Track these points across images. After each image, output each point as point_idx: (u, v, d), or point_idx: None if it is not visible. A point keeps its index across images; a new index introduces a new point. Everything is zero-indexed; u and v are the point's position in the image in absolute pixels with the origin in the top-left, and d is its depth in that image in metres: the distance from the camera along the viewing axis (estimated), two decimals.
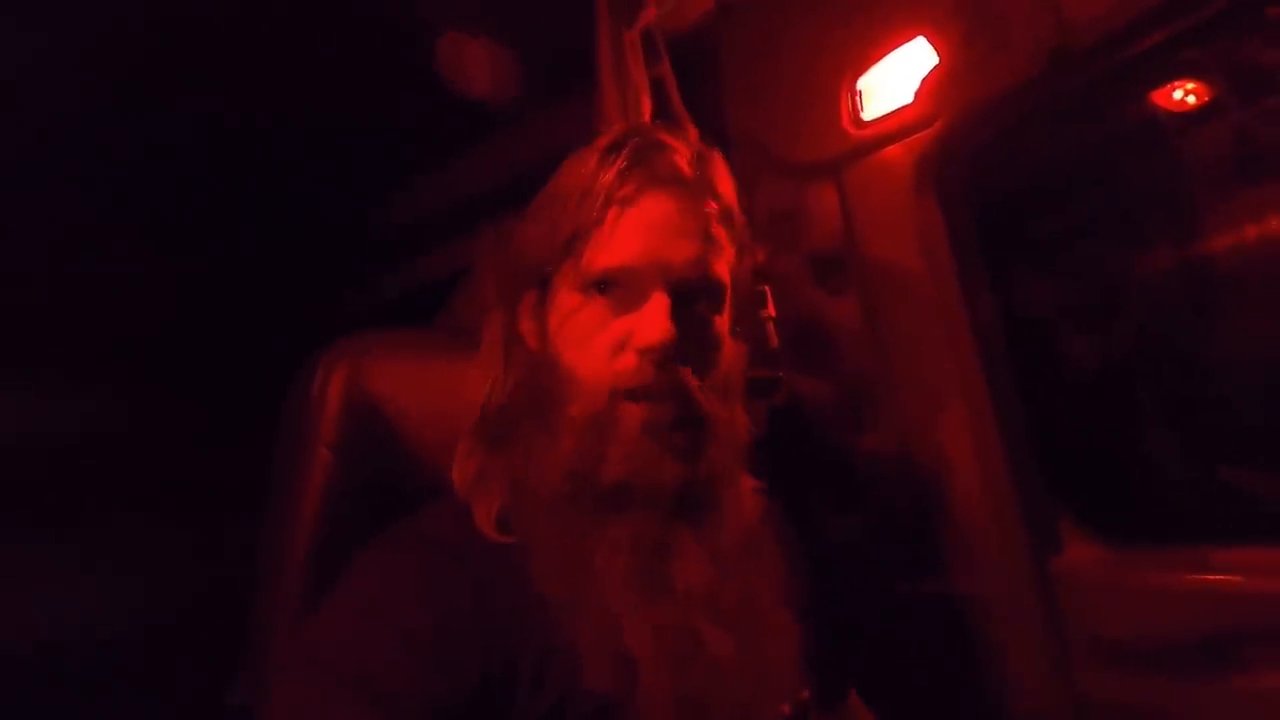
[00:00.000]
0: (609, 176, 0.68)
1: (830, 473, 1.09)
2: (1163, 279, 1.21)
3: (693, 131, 0.82)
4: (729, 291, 0.72)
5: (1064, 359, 1.26)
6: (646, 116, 1.12)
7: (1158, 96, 1.23)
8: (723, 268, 0.71)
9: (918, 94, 1.02)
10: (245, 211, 1.28)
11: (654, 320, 0.65)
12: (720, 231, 0.71)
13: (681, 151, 0.71)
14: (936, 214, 1.06)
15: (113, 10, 0.92)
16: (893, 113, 1.05)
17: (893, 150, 1.06)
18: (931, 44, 1.00)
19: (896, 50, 1.04)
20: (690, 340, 0.67)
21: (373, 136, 1.30)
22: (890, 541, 1.04)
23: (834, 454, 1.09)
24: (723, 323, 0.72)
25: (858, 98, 1.08)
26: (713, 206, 0.71)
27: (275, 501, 0.86)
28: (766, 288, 1.14)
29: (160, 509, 1.28)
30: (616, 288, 0.67)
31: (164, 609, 1.24)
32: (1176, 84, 1.22)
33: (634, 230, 0.67)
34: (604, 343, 0.67)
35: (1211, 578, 0.85)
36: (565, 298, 0.70)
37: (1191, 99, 1.24)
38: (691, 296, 0.68)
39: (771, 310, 1.13)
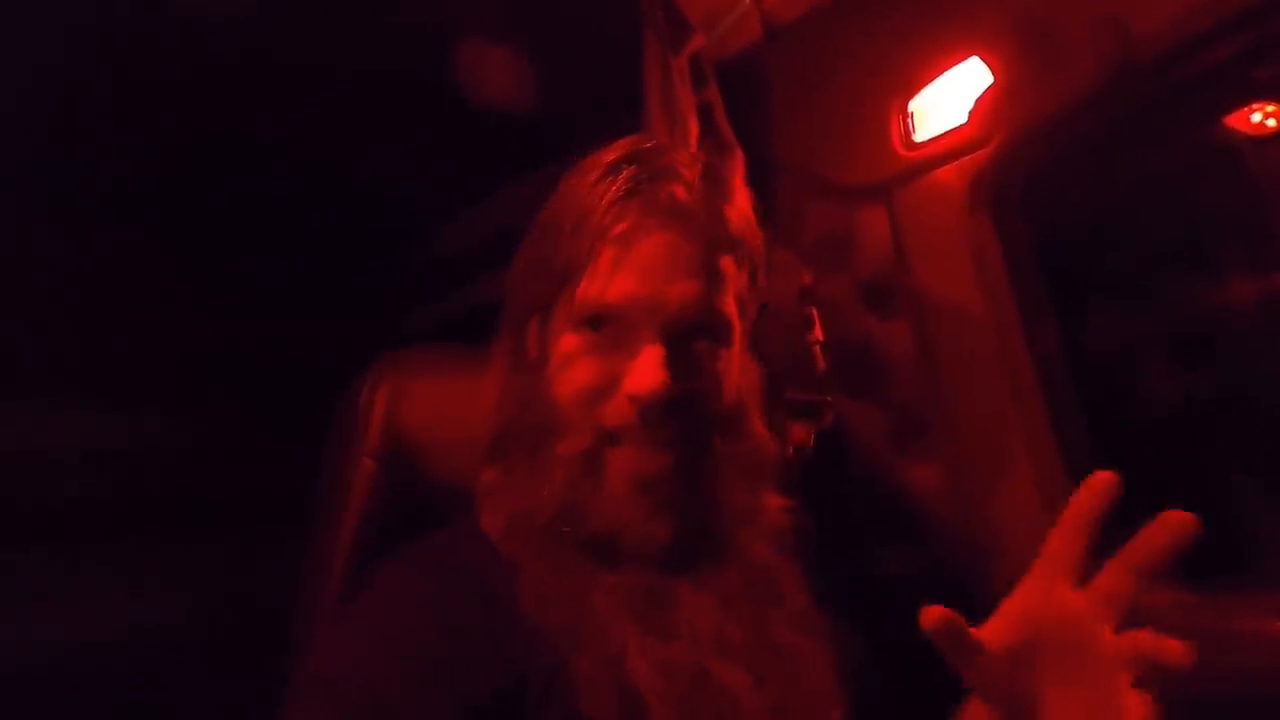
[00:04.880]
0: (603, 206, 0.64)
1: (876, 501, 1.05)
2: (1246, 309, 1.14)
3: (694, 140, 0.79)
4: (736, 324, 0.68)
5: (1139, 392, 1.19)
6: (693, 142, 1.13)
7: (1235, 120, 1.17)
8: (728, 302, 0.66)
9: (971, 114, 1.00)
10: (300, 235, 1.33)
11: (645, 370, 0.61)
12: (726, 262, 0.67)
13: (685, 176, 0.66)
14: (992, 237, 1.03)
15: (182, 40, 0.98)
16: (945, 134, 1.02)
17: (945, 172, 1.03)
18: (985, 63, 0.98)
19: (949, 71, 1.02)
20: (690, 379, 0.63)
21: (428, 167, 1.35)
22: (940, 578, 0.99)
23: (881, 482, 1.05)
24: (728, 355, 0.67)
25: (909, 119, 1.07)
26: (718, 235, 0.66)
27: (321, 509, 0.87)
28: (814, 311, 1.12)
29: (212, 523, 1.31)
30: (609, 326, 0.64)
31: (212, 621, 1.26)
32: (1254, 106, 1.16)
33: (628, 270, 0.63)
34: (593, 382, 0.64)
35: None
36: (560, 331, 0.67)
37: (1272, 121, 1.18)
38: (690, 335, 0.64)
39: (819, 334, 1.10)
